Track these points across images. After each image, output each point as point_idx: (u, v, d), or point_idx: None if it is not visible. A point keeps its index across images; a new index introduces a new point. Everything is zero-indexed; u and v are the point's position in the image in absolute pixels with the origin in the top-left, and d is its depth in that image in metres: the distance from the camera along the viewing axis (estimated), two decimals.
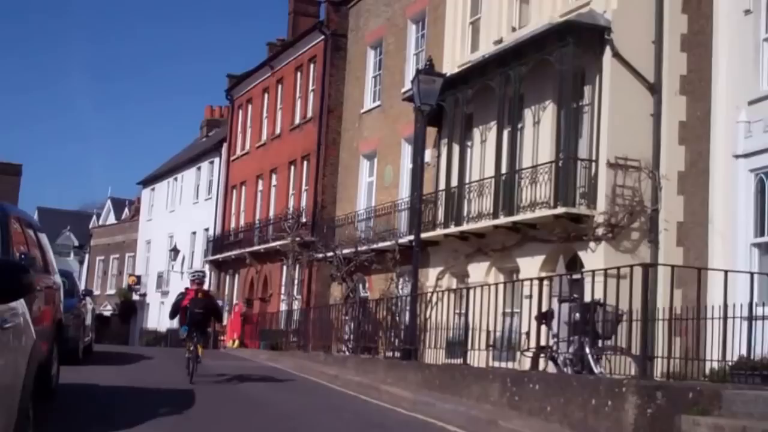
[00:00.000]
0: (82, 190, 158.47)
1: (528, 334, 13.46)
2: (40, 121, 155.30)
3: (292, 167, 37.18)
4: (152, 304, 53.88)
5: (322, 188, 33.83)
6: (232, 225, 43.36)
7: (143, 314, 55.15)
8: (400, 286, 25.15)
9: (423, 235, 19.44)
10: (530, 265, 19.00)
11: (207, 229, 46.45)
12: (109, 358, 18.93)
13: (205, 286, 17.01)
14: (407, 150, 27.33)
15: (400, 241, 25.02)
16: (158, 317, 52.34)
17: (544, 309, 12.43)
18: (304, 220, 34.47)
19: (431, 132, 23.17)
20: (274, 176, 39.22)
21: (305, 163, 35.89)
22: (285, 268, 35.93)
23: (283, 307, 35.57)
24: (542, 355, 12.53)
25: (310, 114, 35.80)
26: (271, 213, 38.64)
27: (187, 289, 16.00)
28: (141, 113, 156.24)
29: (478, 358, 14.53)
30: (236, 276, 42.15)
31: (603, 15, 18.02)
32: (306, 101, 36.34)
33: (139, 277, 56.77)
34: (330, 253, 28.94)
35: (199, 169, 49.78)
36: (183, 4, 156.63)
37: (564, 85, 18.29)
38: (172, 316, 16.04)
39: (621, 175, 17.45)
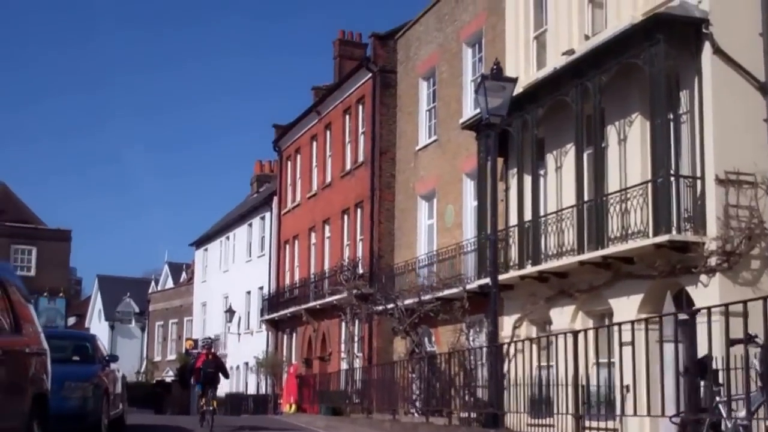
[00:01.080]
0: (142, 258, 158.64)
1: (628, 387, 10.73)
2: (101, 194, 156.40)
3: (345, 216, 34.81)
4: None
5: (378, 236, 31.35)
6: (287, 281, 41.14)
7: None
8: (470, 338, 22.35)
9: None
10: (626, 307, 16.15)
11: (261, 288, 44.47)
12: None
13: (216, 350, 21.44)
14: (469, 186, 24.71)
15: (469, 287, 22.28)
16: None
17: (670, 358, 9.62)
18: (360, 271, 31.96)
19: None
20: (326, 227, 36.89)
21: (359, 210, 33.49)
22: (343, 323, 33.44)
23: (344, 366, 33.04)
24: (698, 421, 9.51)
25: (361, 158, 33.47)
26: (326, 266, 36.29)
27: (198, 353, 20.16)
28: (195, 176, 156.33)
29: (565, 421, 11.76)
30: (294, 335, 39.76)
31: (697, 6, 15.31)
32: (356, 145, 34.03)
33: (196, 341, 55.09)
34: (390, 305, 26.29)
35: (250, 225, 47.85)
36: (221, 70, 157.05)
37: (655, 92, 15.54)
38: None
39: (733, 192, 14.62)
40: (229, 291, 49.59)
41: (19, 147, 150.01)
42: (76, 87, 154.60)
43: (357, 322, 32.02)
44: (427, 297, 24.96)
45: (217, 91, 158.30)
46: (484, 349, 15.98)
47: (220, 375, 19.97)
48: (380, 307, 27.53)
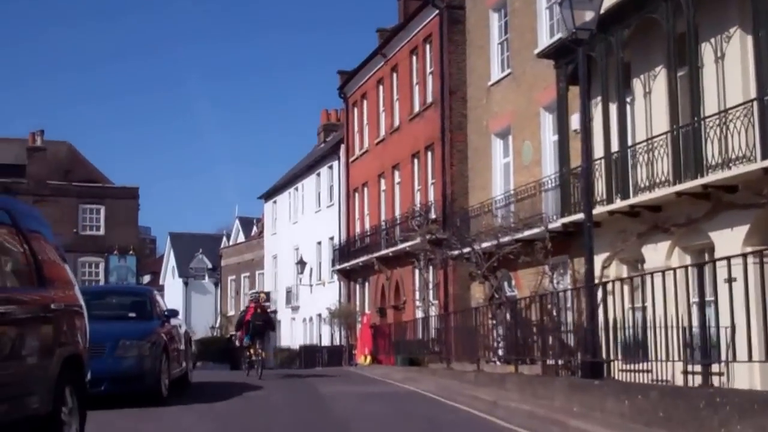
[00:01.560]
0: (214, 214, 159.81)
1: (733, 327, 9.35)
2: (170, 150, 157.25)
3: (416, 160, 33.55)
4: (283, 320, 51.54)
5: (451, 178, 30.04)
6: (357, 230, 40.16)
7: (276, 332, 52.62)
8: (554, 281, 21.02)
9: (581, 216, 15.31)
10: (729, 240, 14.68)
11: (332, 238, 43.58)
12: (206, 391, 15.43)
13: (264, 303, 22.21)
14: (548, 120, 23.22)
15: (551, 226, 20.92)
16: (291, 334, 49.87)
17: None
18: (433, 216, 30.76)
19: (574, 93, 19.01)
20: (396, 173, 35.69)
21: (429, 153, 32.21)
22: (417, 271, 32.37)
23: (419, 314, 32.03)
24: None
25: (429, 99, 32.11)
26: (397, 213, 35.16)
27: (247, 306, 20.77)
28: (262, 129, 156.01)
29: (664, 367, 10.43)
30: (366, 284, 38.87)
31: None
32: (424, 86, 32.64)
33: (268, 294, 54.69)
34: (466, 249, 25.05)
35: (318, 175, 46.90)
36: (282, 11, 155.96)
37: (757, 2, 13.89)
38: (237, 328, 20.43)
39: None
40: (299, 242, 48.91)
41: (87, 106, 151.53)
42: (141, 49, 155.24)
43: (431, 268, 30.92)
44: (505, 239, 23.66)
45: (282, 42, 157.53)
46: (571, 292, 14.70)
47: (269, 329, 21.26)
48: (455, 252, 26.34)
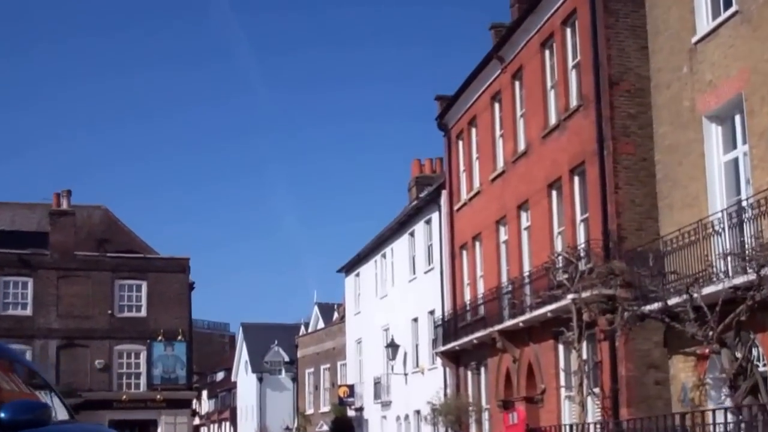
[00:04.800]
0: (292, 305, 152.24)
1: None
2: (245, 240, 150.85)
3: (554, 192, 24.32)
4: (371, 419, 42.93)
5: (616, 207, 20.67)
6: (467, 298, 30.98)
7: None
8: None
9: None
10: None
11: (432, 312, 34.66)
12: None
13: None
14: None
15: None
16: None
17: None
18: (586, 266, 21.23)
19: None
20: (524, 215, 26.44)
21: (577, 178, 23.00)
22: (560, 346, 23.04)
23: (566, 407, 22.58)
24: None
25: (574, 102, 22.99)
26: (526, 268, 25.82)
27: None
28: (342, 203, 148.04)
29: None
30: (482, 369, 29.57)
31: None
32: (565, 86, 23.56)
33: (351, 387, 46.33)
34: (675, 300, 15.46)
35: (411, 235, 38.01)
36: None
37: None
38: None
39: None
40: (389, 321, 40.22)
41: (152, 192, 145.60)
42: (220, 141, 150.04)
43: (585, 342, 21.36)
44: (741, 280, 14.04)
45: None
46: None
47: None
48: (645, 308, 16.75)
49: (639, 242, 19.69)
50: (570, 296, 20.59)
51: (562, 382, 23.36)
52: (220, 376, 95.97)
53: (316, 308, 72.16)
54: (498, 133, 28.44)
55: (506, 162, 27.54)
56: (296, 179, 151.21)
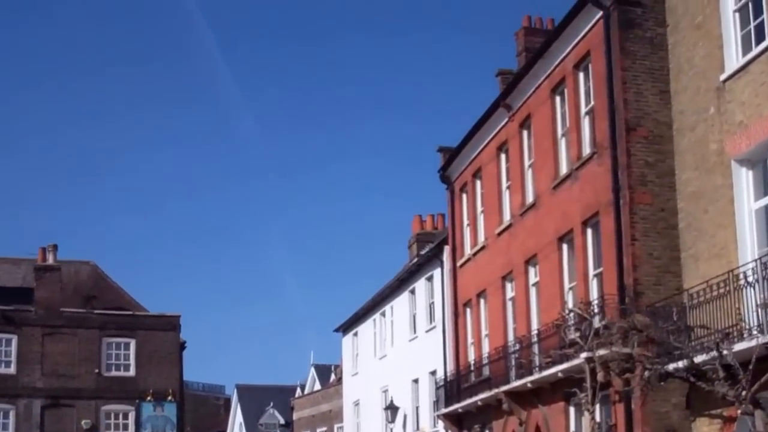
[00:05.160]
0: (287, 367, 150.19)
1: None
2: (244, 299, 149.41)
3: (565, 246, 23.14)
4: None
5: (631, 261, 19.47)
6: (471, 358, 29.70)
7: None
8: None
9: None
10: None
11: (434, 372, 33.37)
12: None
13: None
14: None
15: None
16: None
17: None
18: (600, 323, 19.94)
19: None
20: (532, 270, 25.26)
21: (590, 230, 21.81)
22: (572, 408, 21.81)
23: None
24: None
25: (587, 150, 21.93)
26: (534, 326, 24.59)
27: None
28: (337, 259, 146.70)
29: None
30: None
31: None
32: (578, 134, 22.51)
33: None
34: (702, 357, 14.19)
35: (412, 292, 36.79)
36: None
37: None
38: None
39: None
40: (388, 382, 38.89)
41: (144, 247, 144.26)
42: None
43: (598, 404, 20.02)
44: None
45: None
46: None
47: None
48: (671, 366, 15.48)
49: (657, 297, 18.51)
50: (584, 355, 19.27)
51: None
52: None
53: (312, 369, 71.25)
54: (505, 184, 27.39)
55: (513, 215, 26.42)
56: (294, 236, 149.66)
